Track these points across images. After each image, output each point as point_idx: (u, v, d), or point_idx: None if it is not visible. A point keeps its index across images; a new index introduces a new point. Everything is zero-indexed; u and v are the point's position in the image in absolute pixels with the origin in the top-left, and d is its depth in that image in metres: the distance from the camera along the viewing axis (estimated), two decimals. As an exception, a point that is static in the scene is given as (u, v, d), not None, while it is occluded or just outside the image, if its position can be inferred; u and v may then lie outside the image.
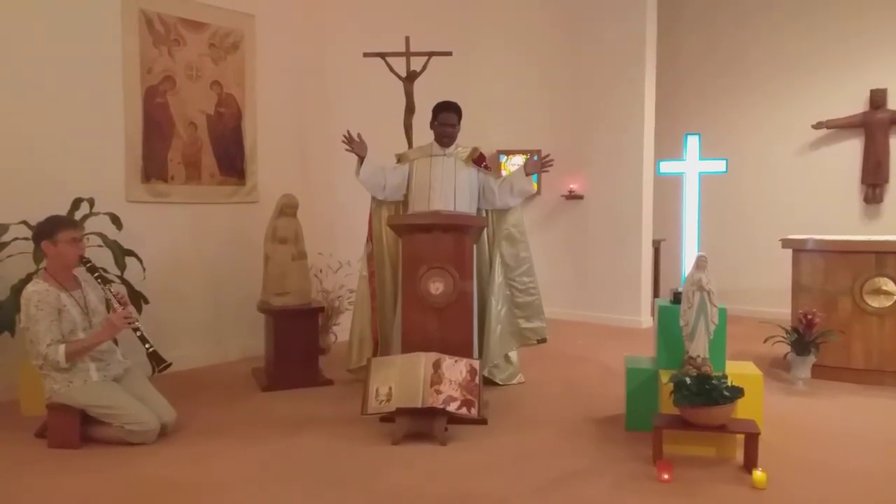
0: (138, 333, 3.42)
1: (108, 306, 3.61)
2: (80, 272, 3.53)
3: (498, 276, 4.43)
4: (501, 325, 4.44)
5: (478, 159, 4.50)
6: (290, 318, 4.48)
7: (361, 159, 4.34)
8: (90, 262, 3.48)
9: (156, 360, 3.42)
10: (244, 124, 5.26)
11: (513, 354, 4.60)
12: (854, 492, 2.86)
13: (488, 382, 4.36)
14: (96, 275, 3.48)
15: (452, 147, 4.47)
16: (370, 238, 4.54)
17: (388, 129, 5.27)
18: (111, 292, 3.51)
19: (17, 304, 3.78)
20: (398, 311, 4.21)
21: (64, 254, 3.40)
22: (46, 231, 3.40)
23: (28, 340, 3.34)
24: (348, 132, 4.32)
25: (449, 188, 4.35)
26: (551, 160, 4.44)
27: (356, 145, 4.34)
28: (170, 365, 3.47)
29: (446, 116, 4.40)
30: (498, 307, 4.42)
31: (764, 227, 6.78)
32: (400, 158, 4.60)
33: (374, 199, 4.55)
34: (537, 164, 4.45)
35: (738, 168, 6.62)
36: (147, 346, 3.42)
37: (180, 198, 4.93)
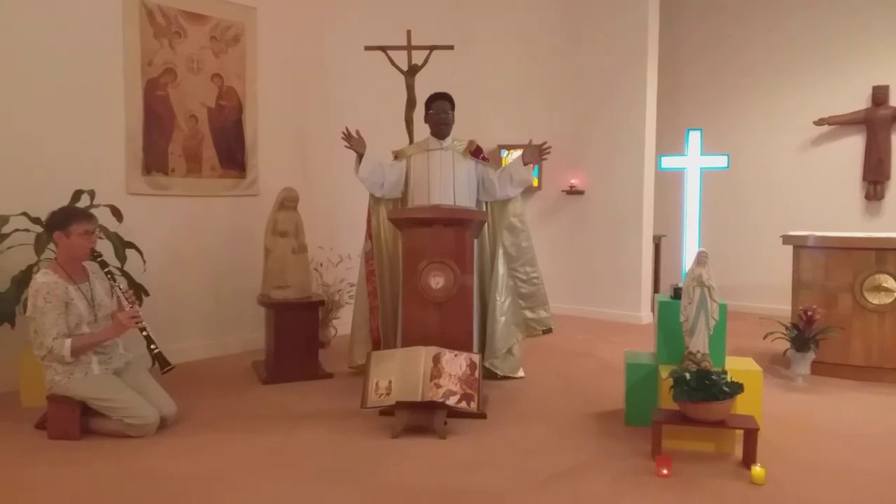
0: (144, 334, 3.42)
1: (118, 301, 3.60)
2: (90, 263, 3.53)
3: (501, 268, 4.43)
4: (506, 317, 4.44)
5: (475, 151, 4.50)
6: (290, 312, 4.48)
7: (360, 156, 4.34)
8: (101, 255, 3.48)
9: (160, 362, 3.42)
10: (245, 117, 5.25)
11: (515, 347, 4.59)
12: (852, 488, 2.87)
13: (489, 375, 4.36)
14: (107, 270, 3.48)
15: (449, 140, 4.46)
16: (369, 236, 4.54)
17: (389, 123, 5.27)
18: (120, 290, 3.51)
19: (17, 295, 3.79)
20: (399, 307, 4.21)
21: (76, 246, 3.39)
22: (60, 222, 3.38)
23: (32, 331, 3.32)
24: (347, 129, 4.31)
25: (448, 182, 4.34)
26: (549, 148, 4.42)
27: (355, 142, 4.33)
28: (173, 368, 3.49)
29: (440, 105, 4.41)
30: (501, 298, 4.42)
31: (765, 224, 6.78)
32: (397, 155, 4.58)
33: (372, 196, 4.55)
34: (535, 153, 4.40)
35: (739, 164, 6.63)
36: (153, 346, 3.42)
37: (181, 190, 4.92)
